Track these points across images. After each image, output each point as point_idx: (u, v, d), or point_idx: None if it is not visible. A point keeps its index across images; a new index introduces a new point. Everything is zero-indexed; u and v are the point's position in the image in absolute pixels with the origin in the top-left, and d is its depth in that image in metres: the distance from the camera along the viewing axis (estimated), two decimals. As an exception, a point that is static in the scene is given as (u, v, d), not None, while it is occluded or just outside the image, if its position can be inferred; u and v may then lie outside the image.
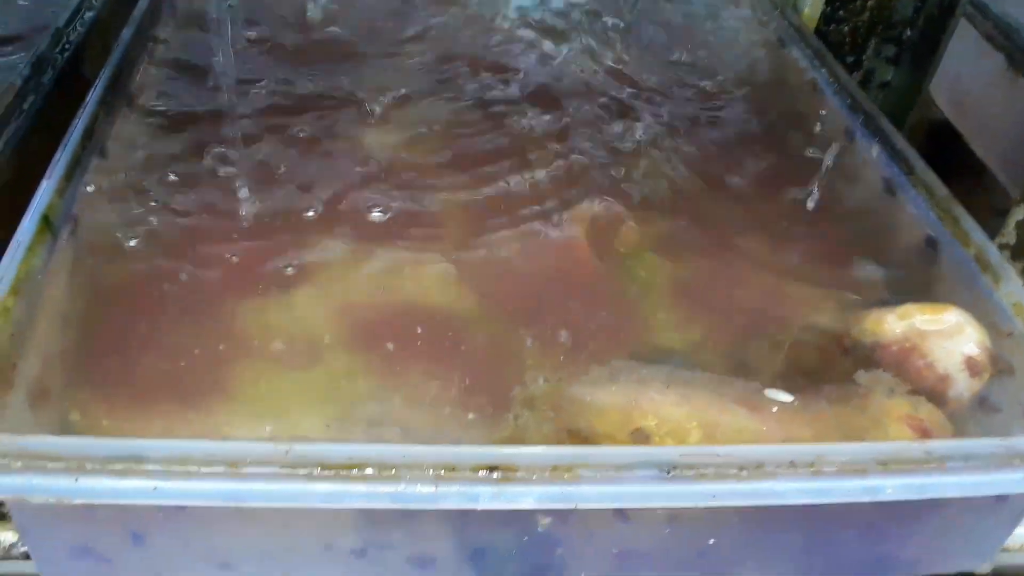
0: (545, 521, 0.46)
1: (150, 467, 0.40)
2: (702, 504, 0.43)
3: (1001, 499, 0.48)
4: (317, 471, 0.41)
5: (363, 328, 0.56)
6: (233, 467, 0.40)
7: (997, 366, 0.53)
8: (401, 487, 0.41)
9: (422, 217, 0.63)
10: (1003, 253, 0.66)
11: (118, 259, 0.58)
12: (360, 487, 0.41)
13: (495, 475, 0.42)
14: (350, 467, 0.41)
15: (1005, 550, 0.55)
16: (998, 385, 0.53)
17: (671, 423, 0.48)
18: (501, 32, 0.87)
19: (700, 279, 0.61)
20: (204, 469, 0.40)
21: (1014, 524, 0.50)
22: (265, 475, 0.40)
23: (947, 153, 1.14)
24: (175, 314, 0.55)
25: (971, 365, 0.52)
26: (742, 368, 0.55)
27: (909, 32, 1.03)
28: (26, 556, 0.52)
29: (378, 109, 0.74)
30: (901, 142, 0.70)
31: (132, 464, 0.40)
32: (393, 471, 0.41)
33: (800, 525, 0.49)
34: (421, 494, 0.41)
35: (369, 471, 0.41)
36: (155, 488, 0.40)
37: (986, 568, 0.55)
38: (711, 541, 0.48)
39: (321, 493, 0.40)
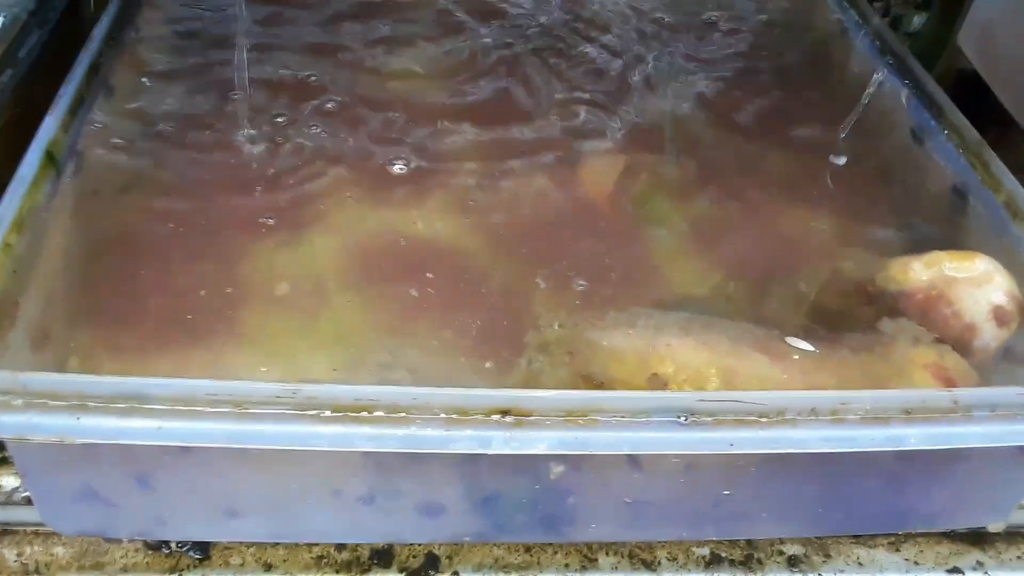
0: (558, 469, 0.45)
1: (154, 406, 0.39)
2: (720, 451, 0.41)
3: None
4: (326, 413, 0.40)
5: (374, 272, 0.55)
6: (239, 407, 0.39)
7: (1026, 316, 0.51)
8: (411, 430, 0.40)
9: (434, 161, 0.62)
10: (1035, 200, 0.64)
11: (123, 198, 0.56)
12: (369, 429, 0.39)
13: (508, 419, 0.40)
14: (359, 409, 0.40)
15: (1022, 507, 0.54)
16: (1026, 336, 0.51)
17: (689, 369, 0.46)
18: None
19: (721, 225, 0.59)
20: (209, 409, 0.39)
21: (1038, 478, 0.49)
22: (272, 416, 0.39)
23: (975, 106, 1.11)
24: (181, 255, 0.54)
25: (999, 314, 0.51)
26: (763, 316, 0.53)
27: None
28: (28, 502, 0.51)
29: (388, 53, 0.71)
30: (932, 86, 0.67)
31: (135, 403, 0.39)
32: (403, 414, 0.40)
33: (816, 475, 0.48)
34: (432, 437, 0.40)
35: (379, 413, 0.40)
36: (159, 428, 0.39)
37: (1000, 526, 0.54)
38: (726, 492, 0.47)
39: (329, 435, 0.39)
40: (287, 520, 0.48)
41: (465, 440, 0.40)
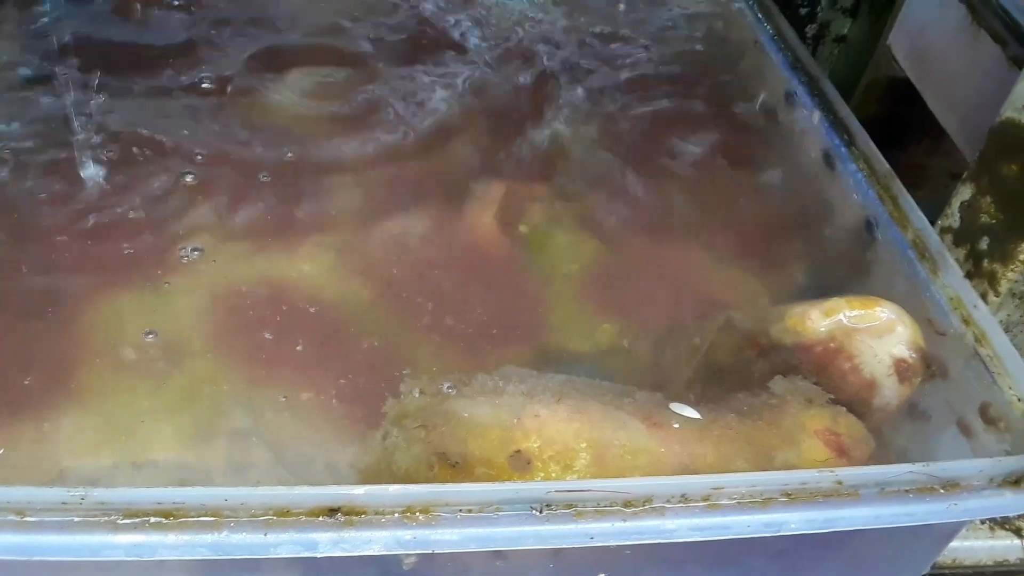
0: (410, 560, 0.40)
1: (-80, 517, 0.34)
2: (579, 545, 0.37)
3: (925, 527, 0.43)
4: (121, 519, 0.35)
5: (230, 329, 0.50)
6: (20, 515, 0.34)
7: (929, 369, 0.47)
8: (224, 535, 0.35)
9: (307, 189, 0.57)
10: (945, 238, 0.60)
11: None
12: (175, 537, 0.35)
13: (337, 518, 0.36)
14: (162, 514, 0.35)
15: (936, 566, 0.50)
16: (929, 390, 0.47)
17: (557, 444, 0.42)
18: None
19: (611, 269, 0.55)
20: (-14, 519, 0.34)
21: (940, 548, 0.46)
22: (58, 525, 0.34)
23: (906, 113, 1.07)
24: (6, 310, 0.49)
25: (901, 369, 0.47)
26: (651, 372, 0.49)
27: (865, -16, 0.96)
28: None
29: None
30: (844, 109, 0.63)
31: (-101, 514, 0.34)
32: (215, 517, 0.35)
33: (703, 553, 0.43)
34: (248, 543, 0.35)
35: (185, 518, 0.35)
36: (-74, 542, 0.34)
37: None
38: (602, 574, 0.43)
39: (126, 545, 0.34)
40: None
41: (287, 544, 0.35)
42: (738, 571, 0.45)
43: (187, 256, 0.52)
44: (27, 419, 0.46)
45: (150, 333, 0.49)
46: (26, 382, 0.47)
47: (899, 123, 1.08)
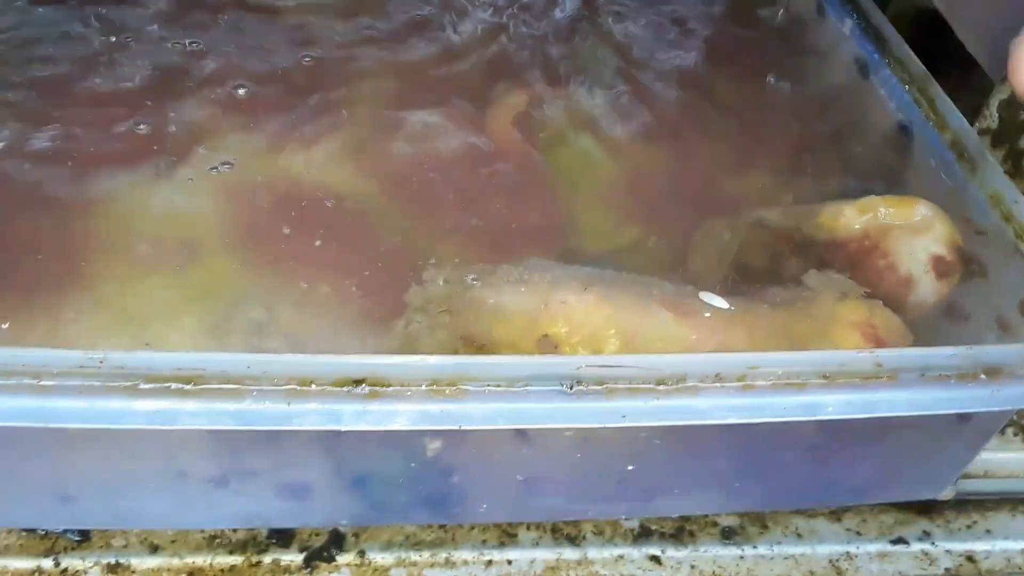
0: (434, 445, 0.40)
1: (-66, 378, 0.33)
2: (611, 424, 0.36)
3: (964, 418, 0.41)
4: (141, 385, 0.33)
5: (250, 221, 0.49)
6: (35, 378, 0.33)
7: (968, 267, 0.46)
8: (246, 404, 0.34)
9: (325, 91, 0.55)
10: (983, 139, 0.58)
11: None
12: (194, 404, 0.33)
13: (361, 390, 0.35)
14: (181, 379, 0.34)
15: (967, 475, 0.49)
16: (968, 289, 0.46)
17: (585, 330, 0.41)
18: None
19: (640, 167, 0.53)
20: (1, 381, 0.33)
21: (979, 446, 0.44)
22: (75, 389, 0.33)
23: (934, 46, 1.05)
24: (18, 200, 0.48)
25: (938, 266, 0.45)
26: (678, 268, 0.48)
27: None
28: None
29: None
30: (877, 16, 0.61)
31: (-89, 374, 0.33)
32: (236, 385, 0.34)
33: (732, 444, 0.42)
34: (270, 413, 0.34)
35: (206, 385, 0.34)
36: (-60, 404, 0.33)
37: (949, 493, 0.49)
38: (630, 467, 0.42)
39: (145, 412, 0.33)
40: (129, 506, 0.42)
41: (310, 415, 0.34)
42: (768, 468, 0.44)
43: (210, 162, 0.51)
44: (42, 305, 0.45)
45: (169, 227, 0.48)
46: (44, 269, 0.46)
47: (926, 56, 1.05)
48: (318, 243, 0.48)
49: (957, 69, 1.04)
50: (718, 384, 0.36)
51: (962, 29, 0.94)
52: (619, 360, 0.36)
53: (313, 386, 0.34)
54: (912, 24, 1.06)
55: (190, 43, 0.59)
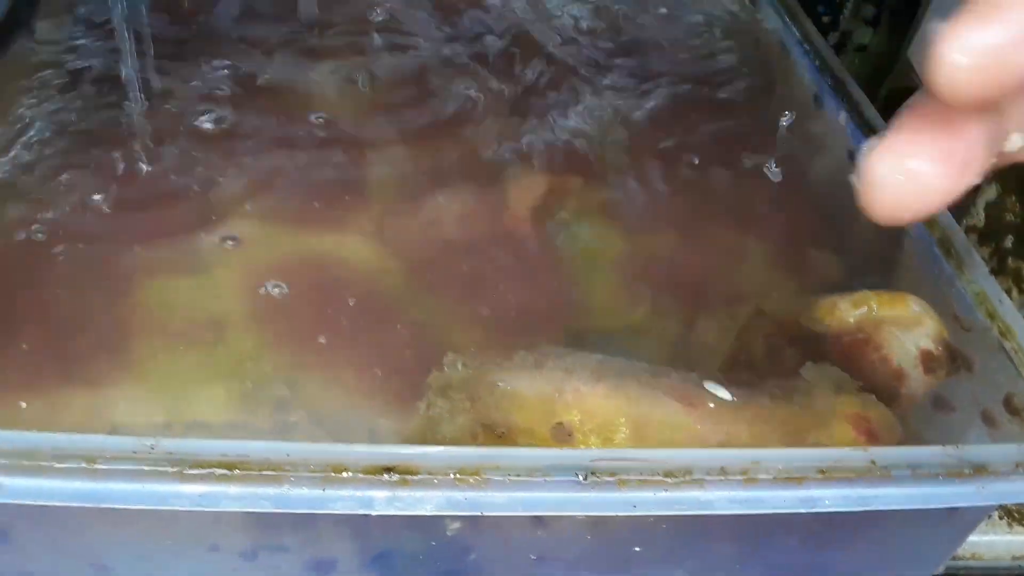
0: (454, 525, 0.42)
1: (-5, 461, 0.35)
2: (623, 513, 0.39)
3: (951, 511, 0.44)
4: (188, 470, 0.36)
5: (274, 300, 0.51)
6: (90, 463, 0.36)
7: (955, 362, 0.49)
8: (284, 489, 0.36)
9: (343, 173, 0.58)
10: (970, 237, 0.62)
11: None
12: (237, 489, 0.36)
13: (391, 477, 0.37)
14: (226, 466, 0.36)
15: (956, 557, 0.52)
16: (954, 383, 0.49)
17: (597, 418, 0.43)
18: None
19: (644, 254, 0.57)
20: (57, 465, 0.35)
21: (965, 535, 0.47)
22: (127, 473, 0.36)
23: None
24: (63, 281, 0.50)
25: (927, 361, 0.48)
26: (682, 356, 0.51)
27: (889, -12, 0.98)
28: None
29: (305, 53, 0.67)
30: (870, 111, 0.65)
31: (-26, 458, 0.35)
32: (276, 472, 0.37)
33: (734, 531, 0.45)
34: (308, 498, 0.36)
35: (248, 471, 0.36)
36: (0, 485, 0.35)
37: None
38: (637, 548, 0.44)
39: (192, 495, 0.36)
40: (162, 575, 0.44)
41: (344, 500, 0.37)
42: (767, 551, 0.46)
43: (226, 240, 0.54)
44: (80, 382, 0.47)
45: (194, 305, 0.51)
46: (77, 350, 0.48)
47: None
48: (340, 322, 0.51)
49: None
50: (722, 477, 0.39)
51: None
52: (630, 454, 0.38)
53: (346, 473, 0.37)
54: (903, 101, 1.11)
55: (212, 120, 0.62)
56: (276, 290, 0.51)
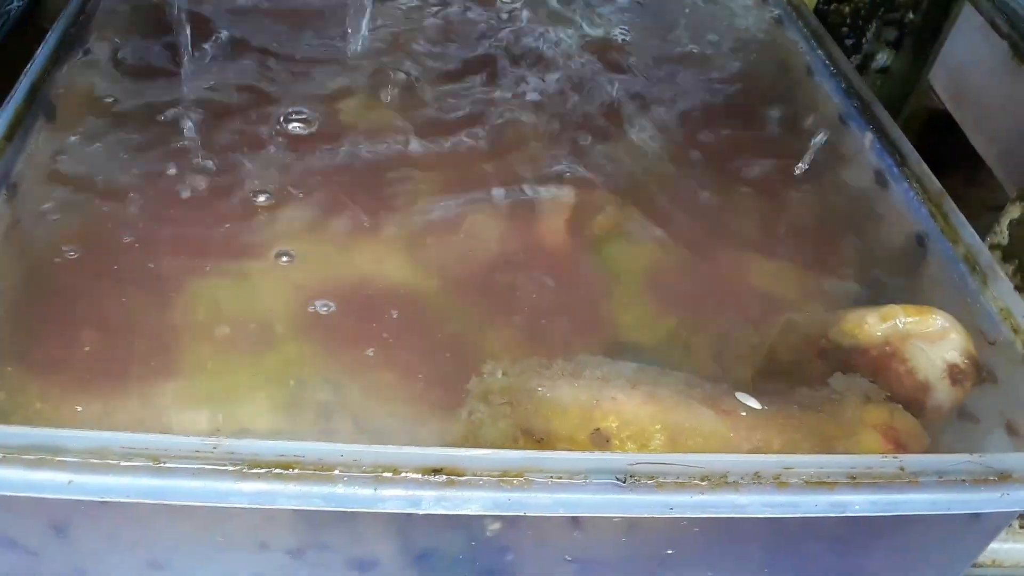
0: (494, 526, 0.44)
1: (66, 459, 0.37)
2: (660, 515, 0.40)
3: (974, 516, 0.45)
4: (246, 469, 0.38)
5: (318, 312, 0.53)
6: (155, 462, 0.38)
7: (980, 375, 0.50)
8: (338, 488, 0.38)
9: (385, 192, 0.60)
10: (994, 254, 0.63)
11: (60, 229, 0.54)
12: (293, 487, 0.38)
13: (440, 478, 0.39)
14: (283, 465, 0.38)
15: (976, 565, 0.53)
16: (979, 394, 0.50)
17: (633, 425, 0.45)
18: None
19: (676, 270, 0.58)
20: (124, 463, 0.37)
21: (987, 541, 0.48)
22: (190, 471, 0.38)
23: (944, 145, 1.11)
24: (118, 291, 0.52)
25: (953, 374, 0.49)
26: (714, 367, 0.52)
27: (912, 15, 0.99)
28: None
29: (347, 74, 0.70)
30: (895, 132, 0.66)
31: (47, 455, 0.37)
32: (329, 471, 0.38)
33: (764, 535, 0.46)
34: (359, 496, 0.38)
35: (303, 470, 0.38)
36: (70, 482, 0.37)
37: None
38: (670, 551, 0.46)
39: (250, 493, 0.38)
40: (213, 573, 0.46)
41: (394, 500, 0.39)
42: (797, 554, 0.47)
43: (281, 257, 0.56)
44: (134, 387, 0.49)
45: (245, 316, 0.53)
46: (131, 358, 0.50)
47: (938, 154, 1.11)
48: (384, 335, 0.52)
49: (966, 165, 1.10)
50: (756, 482, 0.40)
51: (973, 132, 1.00)
52: (668, 458, 0.40)
53: (397, 473, 0.39)
54: (925, 124, 1.12)
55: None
56: (324, 309, 0.52)
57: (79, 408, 0.48)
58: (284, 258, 0.56)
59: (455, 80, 0.71)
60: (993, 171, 0.94)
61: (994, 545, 0.55)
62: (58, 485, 0.37)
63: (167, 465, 0.37)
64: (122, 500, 0.38)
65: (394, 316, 0.53)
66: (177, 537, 0.44)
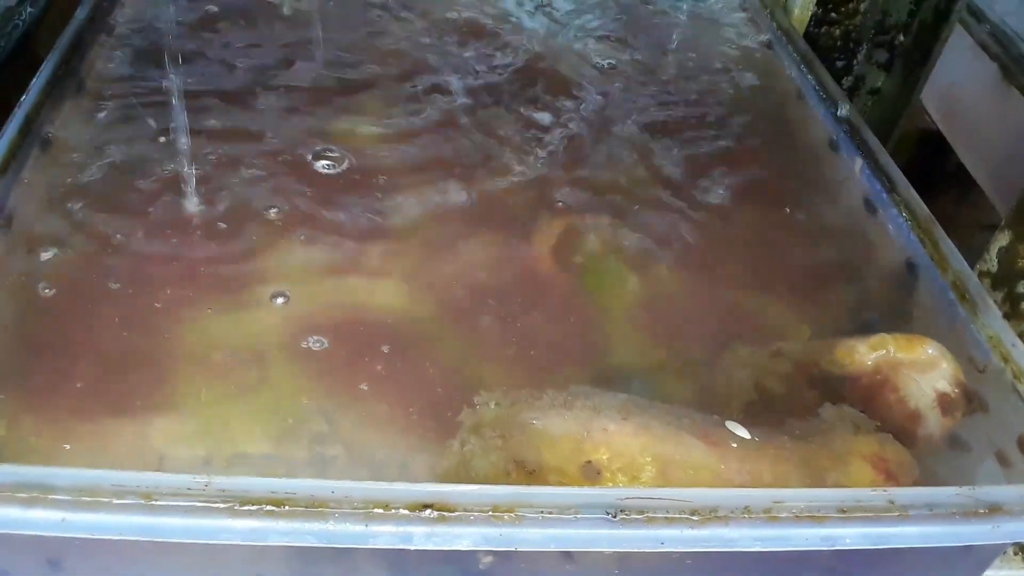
0: (487, 559, 0.44)
1: (58, 497, 0.37)
2: (650, 549, 0.40)
3: (966, 548, 0.46)
4: (238, 506, 0.38)
5: (310, 341, 0.53)
6: (147, 499, 0.38)
7: (970, 404, 0.50)
8: (329, 525, 0.38)
9: (375, 223, 0.60)
10: (983, 281, 0.63)
11: (54, 260, 0.55)
12: (285, 524, 0.38)
13: (430, 514, 0.39)
14: (274, 502, 0.38)
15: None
16: (970, 423, 0.51)
17: (624, 457, 0.45)
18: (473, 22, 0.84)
19: (666, 299, 0.59)
20: (116, 501, 0.37)
21: (980, 571, 0.48)
22: (181, 509, 0.38)
23: (936, 165, 1.12)
24: (112, 320, 0.52)
25: (944, 403, 0.50)
26: (704, 397, 0.52)
27: (903, 37, 1.00)
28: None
29: (341, 103, 0.70)
30: (885, 157, 0.67)
31: (38, 493, 0.37)
32: (321, 508, 0.38)
33: (756, 565, 0.46)
34: (351, 533, 0.38)
35: (295, 507, 0.38)
36: (63, 520, 0.37)
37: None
38: (662, 583, 0.46)
39: (242, 530, 0.38)
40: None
41: (385, 536, 0.39)
42: (788, 585, 0.48)
43: (275, 296, 0.56)
44: (128, 417, 0.49)
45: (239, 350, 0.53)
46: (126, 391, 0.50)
47: (929, 174, 1.12)
48: (377, 367, 0.53)
49: (958, 184, 1.10)
50: (746, 516, 0.41)
51: (964, 152, 1.00)
52: (658, 493, 0.40)
53: (388, 509, 0.39)
54: (917, 143, 1.13)
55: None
56: (316, 345, 0.53)
57: (68, 446, 0.48)
58: (280, 299, 0.56)
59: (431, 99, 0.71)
60: (984, 190, 0.95)
61: (988, 573, 0.55)
62: (51, 523, 0.37)
63: (159, 503, 0.38)
64: (114, 538, 0.38)
65: (384, 349, 0.53)
66: (170, 571, 0.44)
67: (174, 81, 0.65)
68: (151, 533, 0.37)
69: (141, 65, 0.70)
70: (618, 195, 0.65)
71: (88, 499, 0.37)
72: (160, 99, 0.67)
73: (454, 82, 0.74)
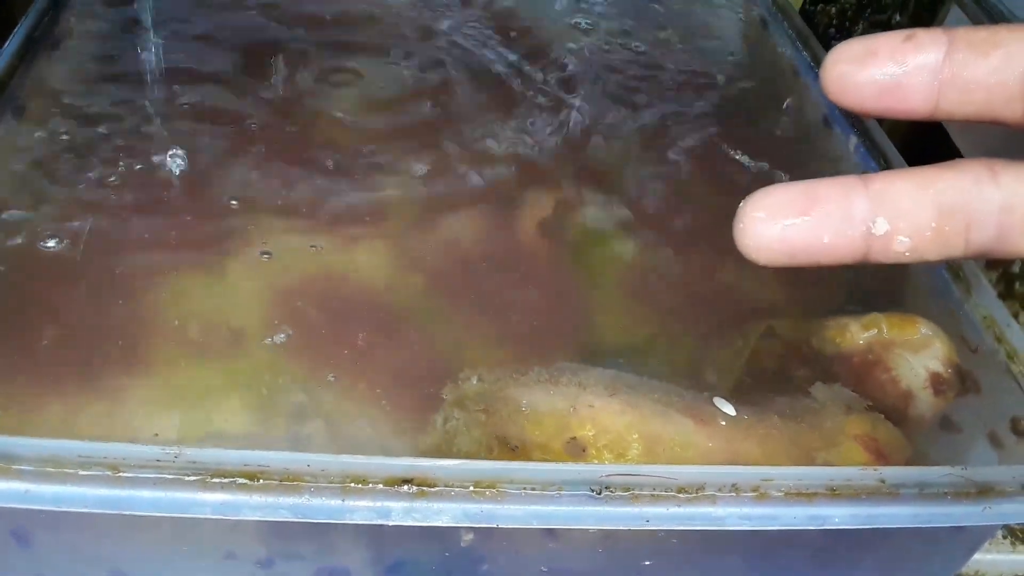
0: (468, 537, 0.43)
1: (22, 467, 0.36)
2: (636, 527, 0.39)
3: (957, 529, 0.45)
4: (209, 478, 0.37)
5: (291, 314, 0.52)
6: (114, 471, 0.36)
7: (963, 384, 0.49)
8: (304, 499, 0.37)
9: (359, 195, 0.59)
10: (977, 262, 0.62)
11: (25, 228, 0.53)
12: (258, 498, 0.37)
13: (409, 489, 0.38)
14: (248, 475, 0.37)
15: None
16: (962, 404, 0.50)
17: (610, 434, 0.44)
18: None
19: (656, 274, 0.57)
20: (82, 472, 0.36)
21: (970, 553, 0.48)
22: (150, 481, 0.36)
23: (931, 148, 1.10)
24: (83, 289, 0.51)
25: (936, 383, 0.49)
26: (692, 374, 0.51)
27: (899, 17, 0.99)
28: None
29: (328, 71, 0.69)
30: (880, 136, 0.66)
31: (2, 464, 0.36)
32: (296, 481, 0.37)
33: (743, 545, 0.46)
34: (326, 507, 0.37)
35: (269, 480, 0.37)
36: (27, 491, 0.36)
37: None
38: (647, 562, 0.45)
39: (213, 503, 0.36)
40: (178, 582, 0.45)
41: (363, 511, 0.37)
42: (776, 567, 0.47)
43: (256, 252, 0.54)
44: (101, 389, 0.48)
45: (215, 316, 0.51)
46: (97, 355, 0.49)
47: (923, 159, 1.11)
48: (358, 336, 0.51)
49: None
50: (733, 494, 0.40)
51: (958, 134, 0.99)
52: (644, 470, 0.39)
53: (365, 484, 0.38)
54: (910, 127, 1.12)
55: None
56: (299, 303, 0.51)
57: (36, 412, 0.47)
58: (264, 256, 0.54)
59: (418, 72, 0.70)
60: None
61: (977, 556, 0.54)
62: (14, 494, 0.36)
63: (126, 475, 0.36)
64: (80, 510, 0.37)
65: (365, 320, 0.52)
66: (142, 545, 0.43)
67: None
68: (118, 506, 0.36)
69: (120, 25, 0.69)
70: (607, 169, 0.64)
71: (52, 470, 0.36)
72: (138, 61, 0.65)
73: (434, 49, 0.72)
